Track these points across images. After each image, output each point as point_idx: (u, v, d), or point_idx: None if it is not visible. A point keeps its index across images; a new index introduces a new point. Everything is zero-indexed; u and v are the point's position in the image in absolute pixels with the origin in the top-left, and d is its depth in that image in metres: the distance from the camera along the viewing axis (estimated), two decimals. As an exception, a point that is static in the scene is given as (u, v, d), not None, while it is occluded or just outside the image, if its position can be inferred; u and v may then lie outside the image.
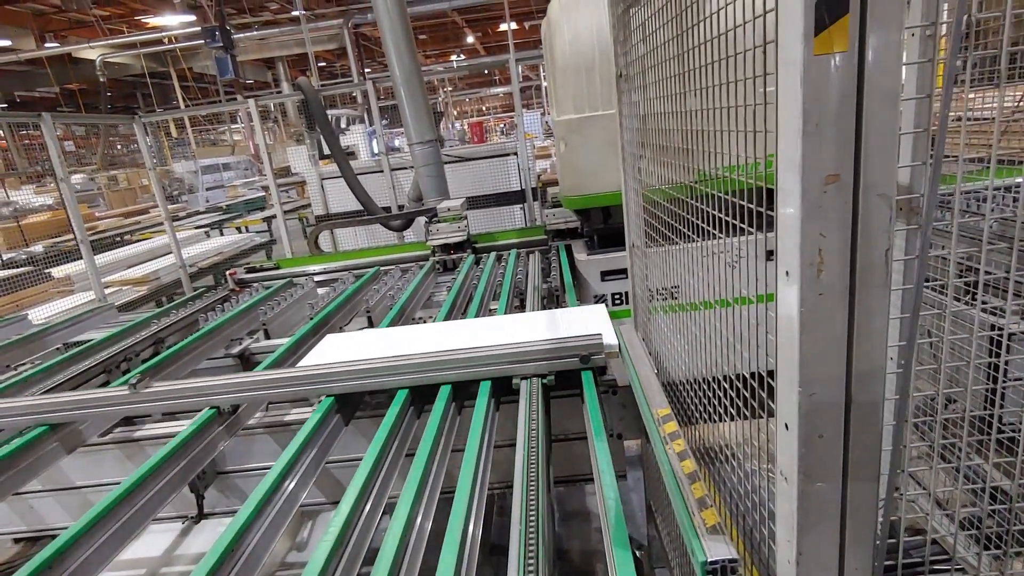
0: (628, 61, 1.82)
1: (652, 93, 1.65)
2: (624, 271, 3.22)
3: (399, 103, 4.99)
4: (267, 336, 2.97)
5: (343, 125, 12.04)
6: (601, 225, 3.34)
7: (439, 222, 3.73)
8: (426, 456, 1.54)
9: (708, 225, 1.24)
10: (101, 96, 16.98)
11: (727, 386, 1.19)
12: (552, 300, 2.85)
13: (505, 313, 2.55)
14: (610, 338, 1.92)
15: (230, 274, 3.87)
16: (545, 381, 1.85)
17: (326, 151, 6.21)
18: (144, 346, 2.75)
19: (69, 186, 5.07)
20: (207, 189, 18.09)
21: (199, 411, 1.95)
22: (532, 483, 1.36)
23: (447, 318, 2.65)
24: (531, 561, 1.14)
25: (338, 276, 3.87)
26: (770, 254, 0.94)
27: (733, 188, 1.09)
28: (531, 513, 1.26)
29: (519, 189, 7.01)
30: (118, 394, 2.00)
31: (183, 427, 1.94)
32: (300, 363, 2.14)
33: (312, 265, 4.03)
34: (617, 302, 3.23)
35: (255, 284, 3.94)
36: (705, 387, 1.33)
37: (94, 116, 16.04)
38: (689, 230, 1.36)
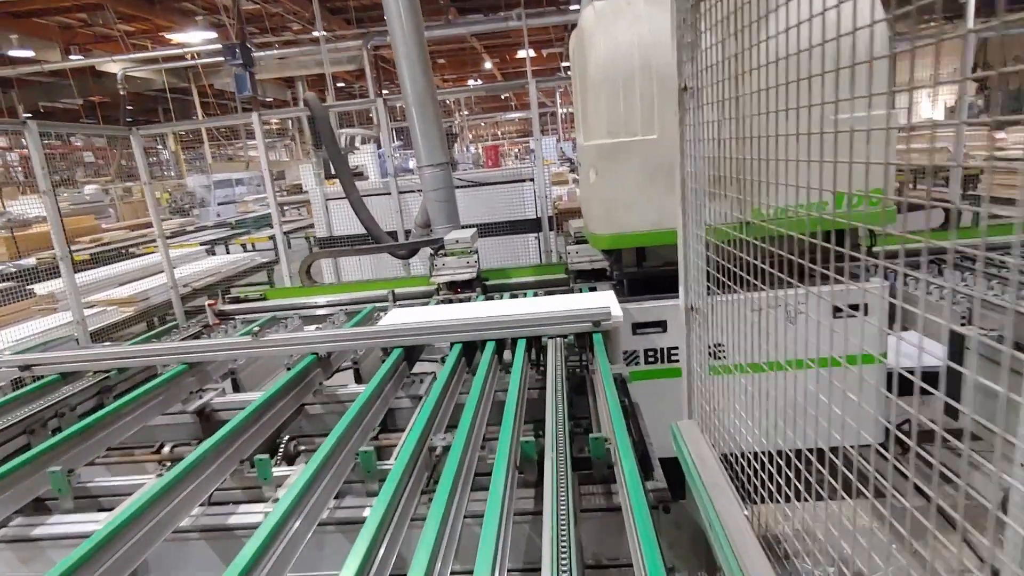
0: (698, 69, 1.38)
1: (736, 111, 1.20)
2: (660, 324, 2.75)
3: (410, 123, 4.60)
4: (236, 387, 2.52)
5: (357, 144, 11.77)
6: (634, 268, 2.87)
7: (445, 255, 3.29)
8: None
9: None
10: (121, 109, 17.02)
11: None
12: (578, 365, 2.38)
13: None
14: (616, 311, 2.42)
15: (209, 305, 3.44)
16: (566, 340, 2.37)
17: (333, 170, 5.83)
18: (85, 397, 2.30)
19: (52, 199, 4.70)
20: (219, 204, 18.05)
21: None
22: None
23: (446, 387, 2.16)
24: None
25: (331, 312, 3.43)
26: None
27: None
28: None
29: (535, 217, 6.59)
30: (243, 340, 2.53)
31: (98, 524, 1.49)
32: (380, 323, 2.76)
33: (302, 298, 3.59)
34: (651, 359, 2.75)
35: (237, 317, 3.51)
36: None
37: (84, 126, 15.85)
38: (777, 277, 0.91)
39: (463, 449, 1.54)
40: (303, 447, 2.10)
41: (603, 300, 2.59)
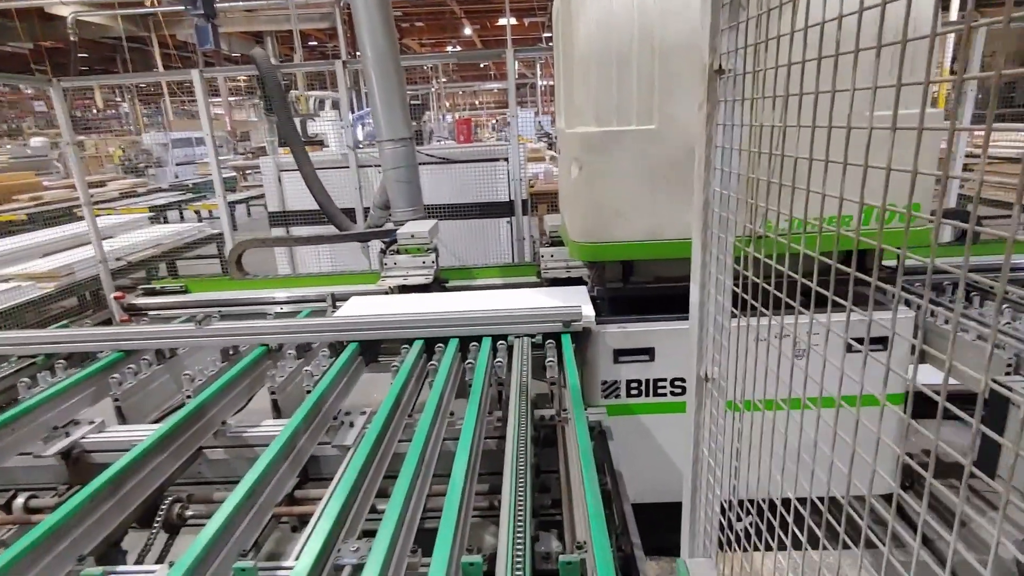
0: (741, 44, 0.92)
1: (809, 108, 0.75)
2: (647, 351, 2.34)
3: (369, 91, 4.04)
4: (121, 417, 2.03)
5: (326, 109, 11.03)
6: (619, 284, 2.44)
7: (398, 252, 2.80)
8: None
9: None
10: (71, 57, 15.79)
11: None
12: (547, 400, 1.96)
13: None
14: (588, 311, 2.34)
15: (117, 298, 2.90)
16: (534, 340, 2.25)
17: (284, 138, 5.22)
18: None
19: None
20: (177, 164, 17.14)
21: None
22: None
23: (392, 413, 1.73)
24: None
25: (262, 312, 2.93)
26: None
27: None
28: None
29: (507, 200, 6.09)
30: (185, 328, 2.38)
31: None
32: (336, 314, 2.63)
33: (232, 292, 3.07)
34: (634, 392, 2.33)
35: (151, 312, 2.98)
36: None
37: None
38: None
39: (383, 565, 1.10)
40: (191, 511, 1.64)
41: (574, 299, 2.49)
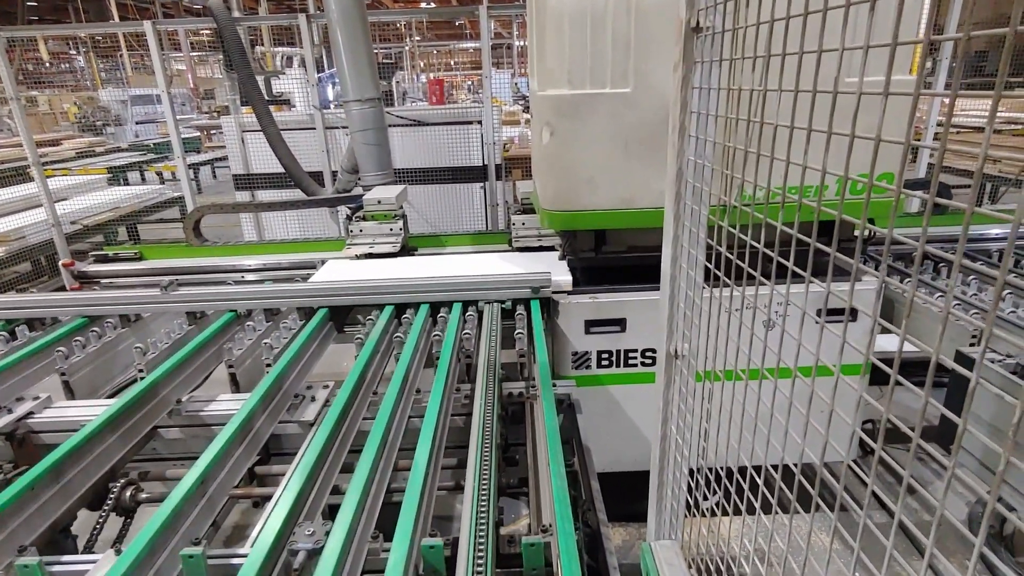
0: (722, -1, 0.85)
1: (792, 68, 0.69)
2: (618, 322, 2.30)
3: (334, 48, 3.85)
4: (69, 392, 1.93)
5: (294, 66, 10.57)
6: (591, 253, 2.38)
7: (363, 219, 2.69)
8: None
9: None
10: (19, 5, 14.87)
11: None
12: (516, 371, 1.92)
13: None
14: (557, 276, 2.33)
15: (66, 265, 2.74)
16: (504, 306, 2.28)
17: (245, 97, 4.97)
18: None
19: None
20: (137, 123, 16.37)
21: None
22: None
23: (356, 389, 1.67)
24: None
25: (222, 281, 2.81)
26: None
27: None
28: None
29: (481, 165, 5.95)
30: (150, 295, 2.33)
31: None
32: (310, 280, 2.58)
33: (188, 260, 2.93)
34: (605, 363, 2.30)
35: (103, 280, 2.83)
36: None
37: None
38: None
39: (342, 550, 1.06)
40: (147, 492, 1.57)
41: (543, 265, 2.50)
